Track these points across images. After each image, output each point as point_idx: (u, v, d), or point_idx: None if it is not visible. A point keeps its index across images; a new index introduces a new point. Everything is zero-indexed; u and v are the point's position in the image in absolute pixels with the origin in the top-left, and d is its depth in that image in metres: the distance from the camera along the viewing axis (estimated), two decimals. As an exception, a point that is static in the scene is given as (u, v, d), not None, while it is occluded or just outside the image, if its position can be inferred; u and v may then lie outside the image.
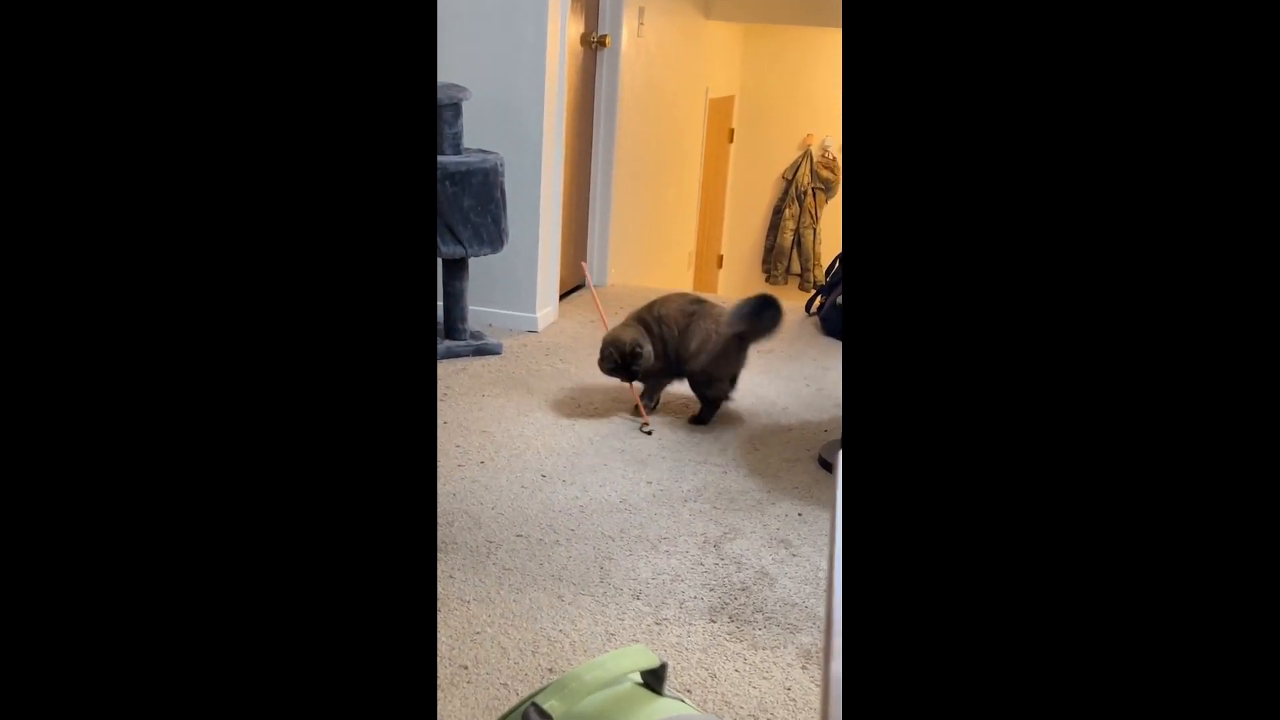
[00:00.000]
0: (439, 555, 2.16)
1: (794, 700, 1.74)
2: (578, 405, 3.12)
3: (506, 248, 3.50)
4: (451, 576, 2.09)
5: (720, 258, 7.50)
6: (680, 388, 3.11)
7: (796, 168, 7.36)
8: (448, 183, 3.21)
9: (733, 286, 7.50)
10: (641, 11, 4.63)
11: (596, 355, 2.97)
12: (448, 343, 3.49)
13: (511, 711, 0.97)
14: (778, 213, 7.48)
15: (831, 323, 4.19)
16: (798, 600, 2.06)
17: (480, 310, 3.84)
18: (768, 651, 1.88)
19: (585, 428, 2.94)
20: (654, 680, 1.01)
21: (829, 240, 7.34)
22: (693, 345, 2.95)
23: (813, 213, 7.42)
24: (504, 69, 3.60)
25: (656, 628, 1.94)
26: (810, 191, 7.39)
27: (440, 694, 1.70)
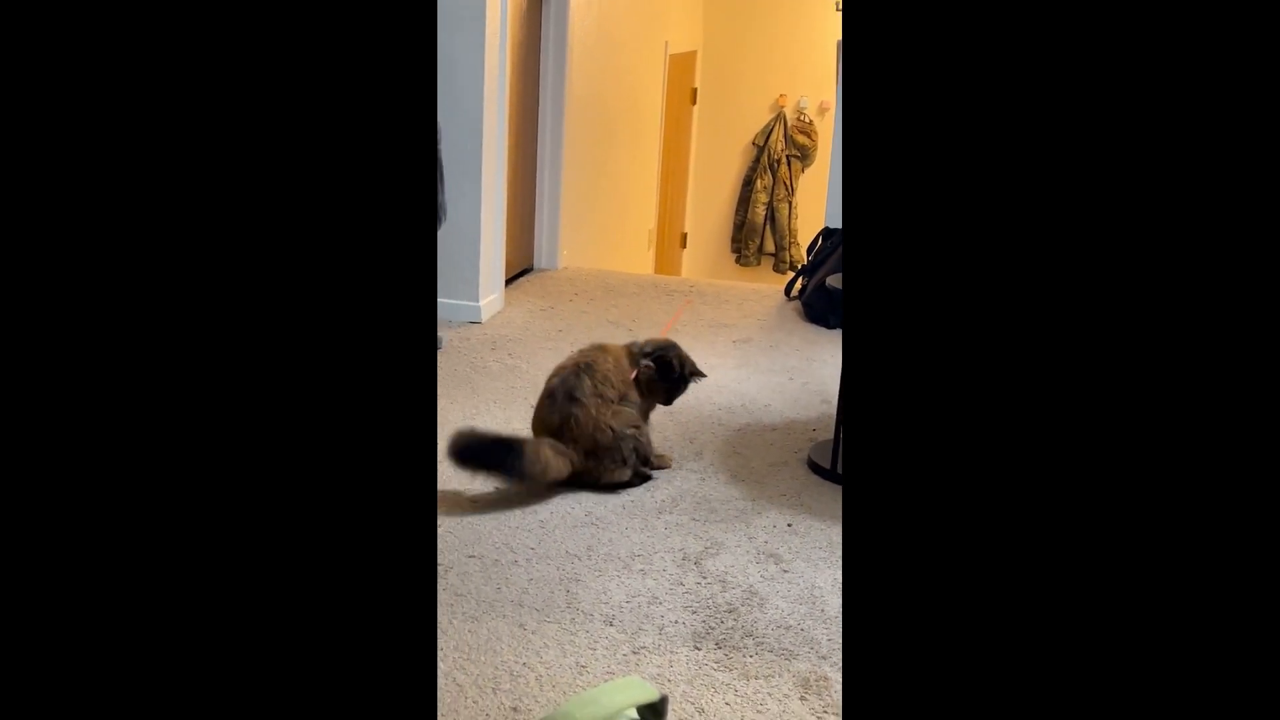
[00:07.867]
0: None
1: (793, 734, 1.76)
2: (531, 405, 3.11)
3: (444, 226, 3.50)
4: (396, 605, 2.07)
5: (684, 236, 7.52)
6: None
7: (769, 132, 7.41)
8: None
9: (699, 269, 7.53)
10: (592, -46, 4.64)
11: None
12: (378, 338, 3.47)
13: None
14: (748, 184, 7.53)
15: (816, 308, 4.23)
16: (792, 622, 2.08)
17: (414, 300, 3.82)
18: (761, 681, 1.89)
19: (541, 432, 2.93)
20: (653, 716, 1.03)
21: (807, 215, 7.39)
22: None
23: (788, 184, 7.47)
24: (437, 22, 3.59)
25: (633, 657, 1.94)
26: (785, 159, 7.44)
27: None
